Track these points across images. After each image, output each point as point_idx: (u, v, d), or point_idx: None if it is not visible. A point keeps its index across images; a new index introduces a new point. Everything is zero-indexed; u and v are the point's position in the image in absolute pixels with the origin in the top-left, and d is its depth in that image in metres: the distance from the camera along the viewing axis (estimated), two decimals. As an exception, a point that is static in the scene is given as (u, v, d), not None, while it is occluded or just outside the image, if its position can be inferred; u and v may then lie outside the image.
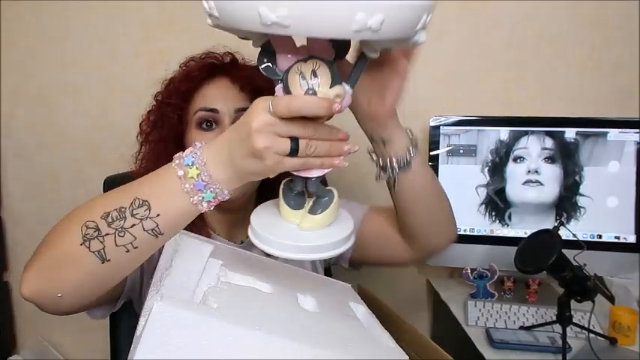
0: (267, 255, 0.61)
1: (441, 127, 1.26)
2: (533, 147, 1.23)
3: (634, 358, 1.03)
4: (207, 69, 0.86)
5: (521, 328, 1.13)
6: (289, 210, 0.61)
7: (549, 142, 1.23)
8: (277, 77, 0.55)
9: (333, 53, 0.55)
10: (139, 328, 0.64)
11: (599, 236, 1.23)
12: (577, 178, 1.23)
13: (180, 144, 0.86)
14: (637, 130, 1.19)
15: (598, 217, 1.23)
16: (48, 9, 1.31)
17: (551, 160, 1.23)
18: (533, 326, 1.12)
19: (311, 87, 0.53)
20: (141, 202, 0.56)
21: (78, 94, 1.36)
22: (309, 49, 0.54)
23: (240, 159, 0.54)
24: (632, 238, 1.22)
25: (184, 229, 0.61)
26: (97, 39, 1.33)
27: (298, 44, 0.55)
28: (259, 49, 0.56)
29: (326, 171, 0.57)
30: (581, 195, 1.23)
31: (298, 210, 0.61)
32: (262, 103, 0.52)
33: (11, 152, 1.39)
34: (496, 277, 1.25)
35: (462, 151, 1.26)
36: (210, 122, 0.83)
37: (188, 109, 0.86)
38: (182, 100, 0.85)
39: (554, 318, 1.04)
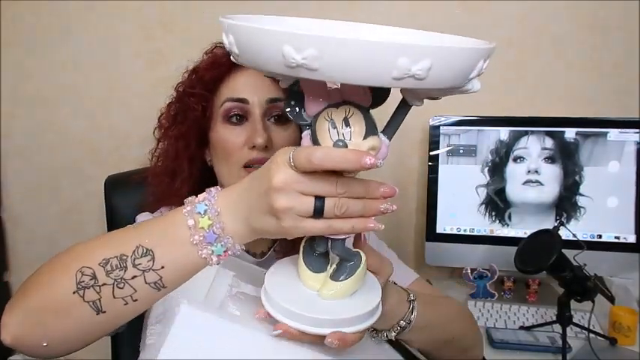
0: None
1: (441, 127, 1.26)
2: (533, 147, 1.23)
3: (634, 358, 1.03)
4: None
5: (521, 328, 1.13)
6: (309, 273, 0.53)
7: (549, 142, 1.23)
8: (305, 123, 0.49)
9: (370, 100, 0.48)
10: (151, 328, 0.64)
11: (599, 236, 1.23)
12: (577, 178, 1.23)
13: (204, 140, 0.80)
14: (637, 130, 1.19)
15: (598, 217, 1.23)
16: (48, 9, 1.31)
17: (551, 160, 1.23)
18: (533, 326, 1.12)
19: (342, 137, 0.46)
20: (144, 251, 0.50)
21: (78, 94, 1.36)
22: (343, 94, 0.48)
23: (257, 215, 0.48)
24: (632, 238, 1.22)
25: None
26: (97, 39, 1.33)
27: (331, 87, 0.48)
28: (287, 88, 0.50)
29: (357, 232, 0.49)
30: (581, 195, 1.23)
31: (319, 273, 0.53)
32: (283, 155, 0.46)
33: (11, 152, 1.39)
34: (496, 277, 1.25)
35: (462, 151, 1.26)
36: (239, 116, 0.75)
37: (213, 101, 0.78)
38: (207, 89, 0.77)
39: (554, 318, 1.04)
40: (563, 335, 0.99)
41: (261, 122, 0.74)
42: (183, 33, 1.32)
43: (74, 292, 0.51)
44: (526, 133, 1.23)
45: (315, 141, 0.48)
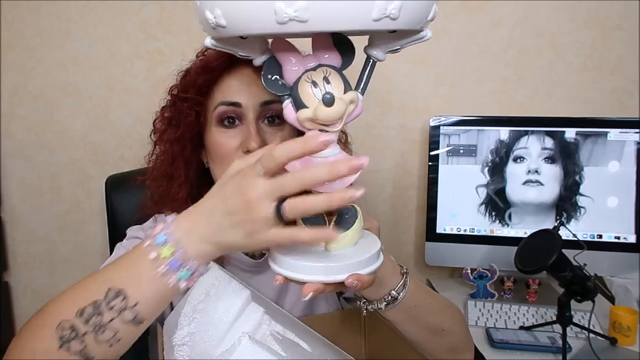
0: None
1: (441, 127, 1.26)
2: (533, 147, 1.23)
3: (634, 358, 1.03)
4: (226, 58, 0.75)
5: (521, 328, 1.13)
6: None
7: (549, 142, 1.23)
8: (285, 92, 0.53)
9: (340, 59, 0.53)
10: (180, 349, 0.69)
11: (599, 236, 1.23)
12: (577, 178, 1.23)
13: (200, 143, 0.80)
14: (637, 130, 1.19)
15: (598, 217, 1.23)
16: (48, 9, 1.31)
17: (551, 160, 1.23)
18: (533, 326, 1.12)
19: (328, 91, 0.50)
20: (116, 293, 0.52)
21: (78, 94, 1.36)
22: (318, 58, 0.53)
23: (225, 232, 0.50)
24: (632, 238, 1.22)
25: None
26: (97, 39, 1.33)
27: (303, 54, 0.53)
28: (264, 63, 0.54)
29: (350, 181, 0.52)
30: (581, 195, 1.23)
31: None
32: (240, 166, 0.49)
33: (11, 152, 1.39)
34: (496, 277, 1.25)
35: (462, 151, 1.26)
36: (232, 118, 0.75)
37: (207, 104, 0.77)
38: (199, 93, 0.77)
39: (554, 318, 1.04)
40: (563, 335, 0.99)
41: (255, 126, 0.74)
42: (183, 33, 1.32)
43: (59, 348, 0.51)
44: (526, 133, 1.24)
45: (298, 105, 0.52)
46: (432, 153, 1.27)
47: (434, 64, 1.35)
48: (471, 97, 1.37)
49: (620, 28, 1.30)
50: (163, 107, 0.83)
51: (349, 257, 0.54)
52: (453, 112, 1.31)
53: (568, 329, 1.01)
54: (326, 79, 0.52)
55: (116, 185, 1.10)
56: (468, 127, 1.25)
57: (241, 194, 0.48)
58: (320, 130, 0.52)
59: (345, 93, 0.52)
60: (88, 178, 1.40)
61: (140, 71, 1.34)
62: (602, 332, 1.09)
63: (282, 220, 0.48)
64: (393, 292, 0.66)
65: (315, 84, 0.52)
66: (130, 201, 1.01)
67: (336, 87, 0.52)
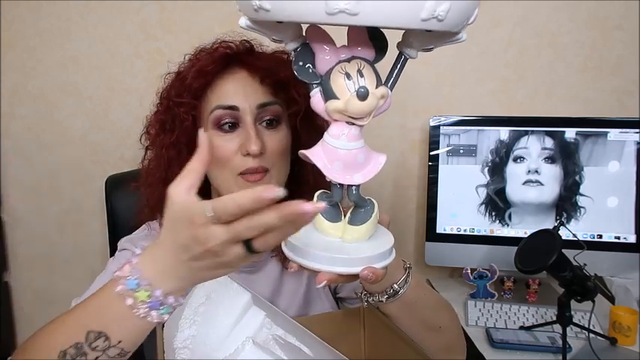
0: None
1: (441, 127, 1.26)
2: (533, 147, 1.23)
3: (634, 358, 1.03)
4: (220, 61, 0.74)
5: (521, 328, 1.13)
6: (328, 223, 0.56)
7: (549, 142, 1.23)
8: (315, 81, 0.52)
9: (374, 53, 0.53)
10: (180, 351, 0.70)
11: (599, 236, 1.23)
12: (577, 178, 1.23)
13: (194, 146, 0.80)
14: (637, 130, 1.19)
15: (598, 217, 1.23)
16: (48, 9, 1.31)
17: (551, 160, 1.23)
18: (533, 326, 1.12)
19: (363, 85, 0.50)
20: (97, 335, 0.51)
21: (78, 94, 1.36)
22: (352, 50, 0.52)
23: (196, 273, 0.50)
24: (632, 238, 1.22)
25: None
26: (97, 39, 1.33)
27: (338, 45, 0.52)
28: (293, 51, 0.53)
29: (371, 176, 0.53)
30: (581, 195, 1.23)
31: (337, 223, 0.57)
32: (194, 216, 0.45)
33: (11, 152, 1.39)
34: (496, 277, 1.25)
35: (462, 151, 1.26)
36: (232, 124, 0.74)
37: (202, 107, 0.76)
38: (195, 97, 0.76)
39: (554, 318, 1.03)
40: (563, 335, 0.99)
41: (254, 128, 0.73)
42: (183, 33, 1.32)
43: None
44: (526, 133, 1.24)
45: (328, 95, 0.51)
46: (432, 153, 1.27)
47: (434, 64, 1.35)
48: (471, 97, 1.37)
49: (620, 28, 1.30)
50: (157, 112, 0.81)
51: (365, 250, 0.54)
52: (453, 112, 1.31)
53: (568, 329, 1.01)
54: (360, 72, 0.51)
55: (116, 185, 1.10)
56: (468, 127, 1.25)
57: (201, 244, 0.46)
58: (347, 123, 0.52)
59: (376, 88, 0.51)
60: (88, 178, 1.40)
61: (140, 71, 1.34)
62: (602, 332, 1.09)
63: (256, 252, 0.47)
64: (395, 285, 0.67)
65: (348, 76, 0.51)
66: (130, 201, 1.00)
67: (369, 81, 0.51)
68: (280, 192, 0.43)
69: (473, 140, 1.26)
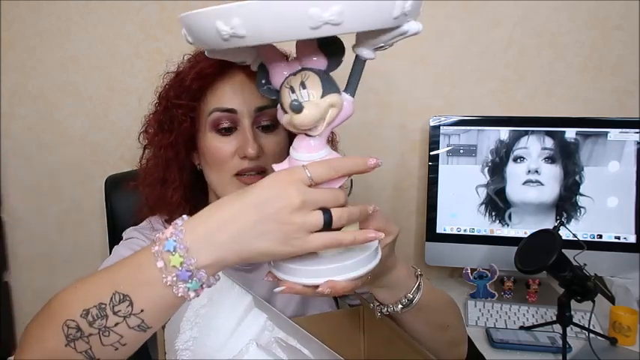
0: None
1: (441, 127, 1.26)
2: (533, 147, 1.23)
3: (634, 358, 1.03)
4: (220, 63, 0.74)
5: (521, 328, 1.13)
6: None
7: (549, 142, 1.23)
8: (273, 97, 0.53)
9: (324, 62, 0.52)
10: (182, 353, 0.70)
11: (600, 236, 1.23)
12: (577, 178, 1.23)
13: (194, 147, 0.80)
14: (637, 130, 1.19)
15: (598, 217, 1.23)
16: (48, 9, 1.31)
17: (551, 160, 1.23)
18: (533, 326, 1.12)
19: (295, 99, 0.49)
20: (122, 297, 0.49)
21: (78, 94, 1.36)
22: (302, 62, 0.52)
23: (249, 241, 0.48)
24: (632, 238, 1.22)
25: None
26: (97, 39, 1.33)
27: (290, 58, 0.53)
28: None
29: (343, 181, 0.52)
30: (581, 195, 1.23)
31: None
32: (292, 175, 0.48)
33: (11, 152, 1.39)
34: (496, 277, 1.25)
35: (462, 151, 1.26)
36: (229, 128, 0.75)
37: (200, 108, 0.77)
38: (193, 99, 0.76)
39: (554, 318, 1.03)
40: (564, 335, 0.99)
41: (251, 131, 0.74)
42: (183, 33, 1.32)
43: (66, 345, 0.51)
44: (526, 133, 1.24)
45: (283, 110, 0.52)
46: (432, 153, 1.27)
47: (434, 63, 1.35)
48: (471, 97, 1.37)
49: (620, 28, 1.30)
50: (155, 112, 0.82)
51: (329, 262, 0.53)
52: (453, 112, 1.31)
53: (568, 329, 1.01)
54: (302, 84, 0.50)
55: (116, 185, 1.10)
56: (468, 127, 1.25)
57: (286, 198, 0.47)
58: (306, 135, 0.52)
59: (322, 97, 0.50)
60: (88, 178, 1.40)
61: (140, 71, 1.34)
62: (602, 332, 1.09)
63: (328, 228, 0.48)
64: (409, 294, 0.68)
65: (292, 89, 0.50)
66: (130, 201, 1.00)
67: (313, 91, 0.50)
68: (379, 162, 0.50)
69: (473, 140, 1.26)
